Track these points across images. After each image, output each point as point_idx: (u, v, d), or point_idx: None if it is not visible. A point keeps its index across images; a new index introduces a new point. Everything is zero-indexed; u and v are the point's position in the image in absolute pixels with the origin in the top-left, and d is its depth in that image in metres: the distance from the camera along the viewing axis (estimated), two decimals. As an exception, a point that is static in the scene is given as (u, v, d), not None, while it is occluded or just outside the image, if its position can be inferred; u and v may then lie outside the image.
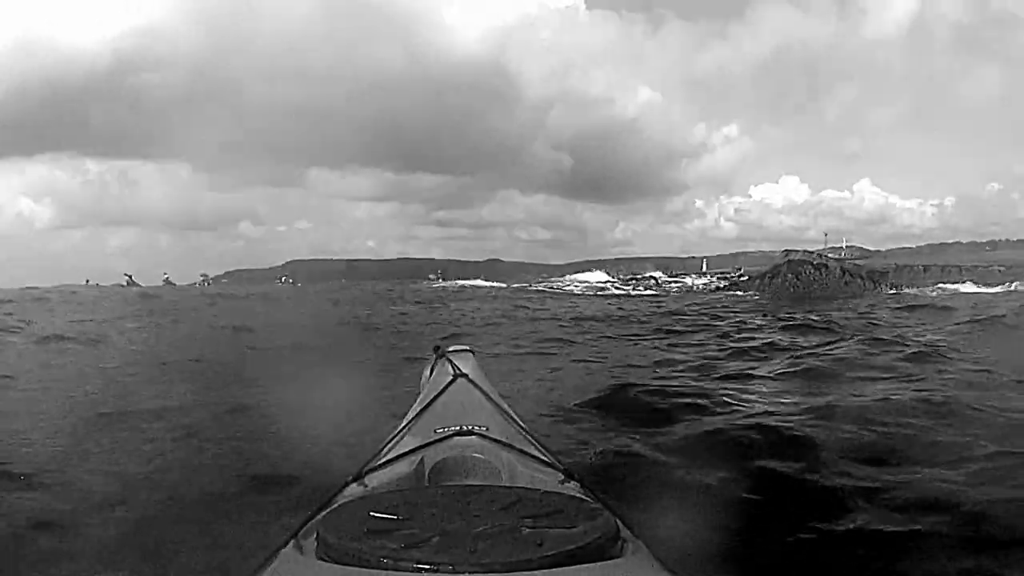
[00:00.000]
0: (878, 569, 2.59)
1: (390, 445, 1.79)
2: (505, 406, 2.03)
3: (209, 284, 60.85)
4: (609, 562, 0.99)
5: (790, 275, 27.55)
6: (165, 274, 66.03)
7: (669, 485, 3.29)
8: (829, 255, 31.91)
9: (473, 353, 2.67)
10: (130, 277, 62.04)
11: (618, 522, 1.10)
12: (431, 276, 68.83)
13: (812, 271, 27.77)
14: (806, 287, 26.65)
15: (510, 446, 1.67)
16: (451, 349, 2.63)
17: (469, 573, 0.91)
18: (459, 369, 2.29)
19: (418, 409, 2.03)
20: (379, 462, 1.65)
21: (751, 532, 2.80)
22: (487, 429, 1.74)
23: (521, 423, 1.92)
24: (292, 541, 1.12)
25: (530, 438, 1.81)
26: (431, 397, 2.08)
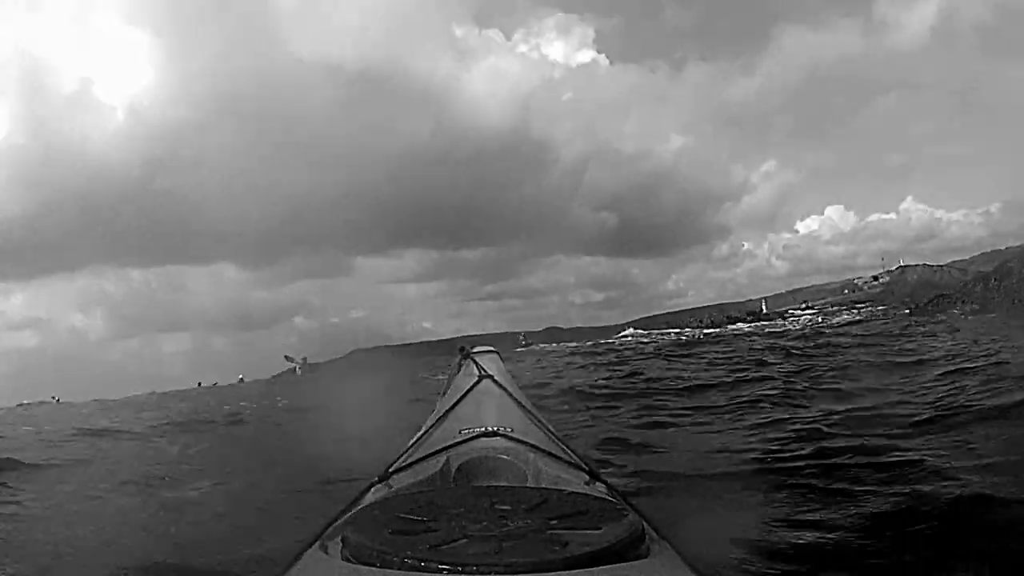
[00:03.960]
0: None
1: (415, 446, 1.80)
2: (530, 407, 2.03)
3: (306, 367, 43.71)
4: (635, 563, 0.98)
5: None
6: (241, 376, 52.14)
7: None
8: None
9: (498, 354, 2.67)
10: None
11: (644, 523, 1.10)
12: (521, 341, 63.00)
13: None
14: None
15: (535, 447, 1.67)
16: (476, 350, 2.61)
17: (494, 574, 0.91)
18: (484, 370, 2.30)
19: (443, 410, 2.04)
20: (404, 463, 1.66)
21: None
22: (512, 430, 1.75)
23: (547, 424, 1.92)
24: (317, 542, 1.12)
25: (555, 439, 1.81)
26: (456, 398, 2.09)
